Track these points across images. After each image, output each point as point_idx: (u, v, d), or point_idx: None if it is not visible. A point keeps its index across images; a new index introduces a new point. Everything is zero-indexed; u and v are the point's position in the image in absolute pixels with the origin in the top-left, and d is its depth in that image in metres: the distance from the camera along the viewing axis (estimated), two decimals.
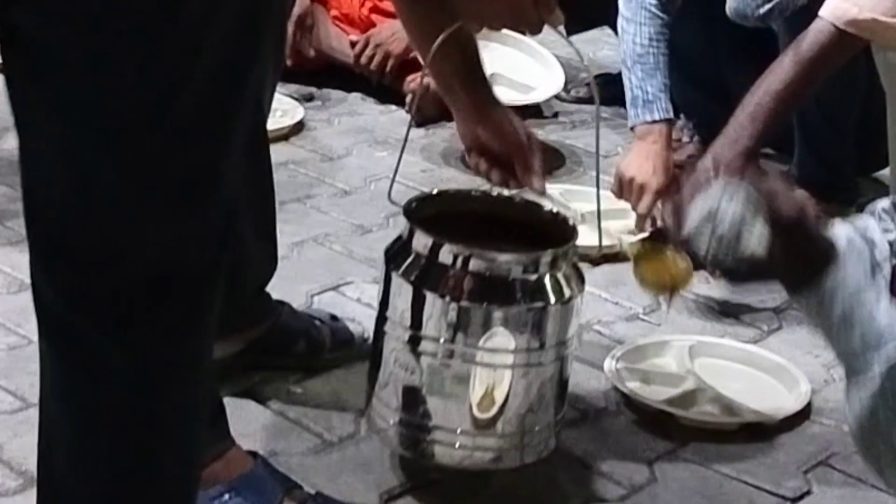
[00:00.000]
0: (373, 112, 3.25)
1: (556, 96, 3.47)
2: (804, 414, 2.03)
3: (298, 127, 3.09)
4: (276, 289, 2.08)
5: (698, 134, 2.97)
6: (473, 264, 1.65)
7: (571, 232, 1.75)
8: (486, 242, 1.70)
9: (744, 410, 2.03)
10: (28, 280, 1.26)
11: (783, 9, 2.46)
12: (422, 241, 1.68)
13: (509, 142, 1.79)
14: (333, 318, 2.14)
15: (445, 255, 1.65)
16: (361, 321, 2.11)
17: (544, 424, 1.74)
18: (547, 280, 1.68)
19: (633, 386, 2.05)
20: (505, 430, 1.71)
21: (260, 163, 1.93)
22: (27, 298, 2.01)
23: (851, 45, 2.23)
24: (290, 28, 3.27)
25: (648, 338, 2.22)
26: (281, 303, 2.08)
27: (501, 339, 1.67)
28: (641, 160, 2.56)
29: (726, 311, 2.35)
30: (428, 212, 1.76)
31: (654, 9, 2.65)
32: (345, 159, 2.96)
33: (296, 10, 3.28)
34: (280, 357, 2.06)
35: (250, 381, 2.01)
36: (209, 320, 1.27)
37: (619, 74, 3.44)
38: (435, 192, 1.88)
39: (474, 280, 1.65)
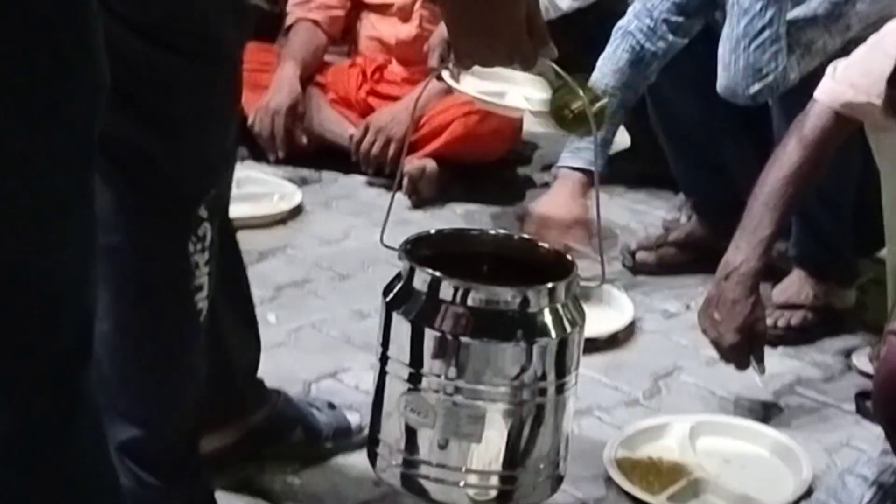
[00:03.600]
0: (370, 194, 3.25)
1: None
2: (805, 498, 2.01)
3: (296, 211, 3.09)
4: (273, 376, 2.07)
5: (696, 212, 2.97)
6: (476, 300, 1.63)
7: (571, 265, 1.73)
8: (485, 281, 1.68)
9: (746, 502, 2.00)
10: None
11: (774, 88, 2.47)
12: (422, 279, 1.65)
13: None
14: (331, 406, 2.12)
15: (446, 291, 1.63)
16: (360, 409, 2.09)
17: (555, 457, 1.73)
18: (560, 311, 1.66)
19: (634, 480, 2.03)
20: (514, 465, 1.70)
21: (229, 248, 1.92)
22: None
23: (851, 125, 2.25)
24: (282, 118, 3.29)
25: (648, 421, 2.20)
26: (276, 392, 2.06)
27: (508, 374, 1.65)
28: (555, 208, 2.59)
29: (726, 397, 2.33)
30: (424, 252, 1.75)
31: (630, 56, 2.68)
32: (342, 243, 2.96)
33: (286, 100, 3.30)
34: (276, 447, 2.03)
35: (245, 472, 1.99)
36: None
37: (617, 155, 3.47)
38: (432, 231, 1.86)
39: (477, 316, 1.63)
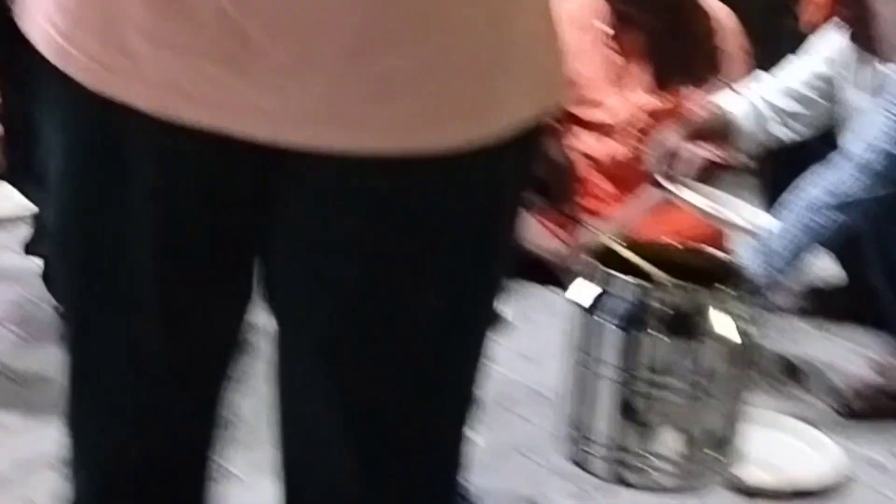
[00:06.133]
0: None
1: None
2: None
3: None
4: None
5: None
6: (669, 301, 1.79)
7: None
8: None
9: None
10: None
11: None
12: (625, 286, 1.81)
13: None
14: None
15: (651, 296, 1.80)
16: None
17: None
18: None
19: None
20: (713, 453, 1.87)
21: None
22: None
23: None
24: None
25: None
26: None
27: (710, 369, 1.84)
28: None
29: None
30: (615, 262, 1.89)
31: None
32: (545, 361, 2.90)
33: None
34: None
35: None
36: None
37: (832, 291, 3.35)
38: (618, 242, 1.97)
39: (676, 316, 1.79)
